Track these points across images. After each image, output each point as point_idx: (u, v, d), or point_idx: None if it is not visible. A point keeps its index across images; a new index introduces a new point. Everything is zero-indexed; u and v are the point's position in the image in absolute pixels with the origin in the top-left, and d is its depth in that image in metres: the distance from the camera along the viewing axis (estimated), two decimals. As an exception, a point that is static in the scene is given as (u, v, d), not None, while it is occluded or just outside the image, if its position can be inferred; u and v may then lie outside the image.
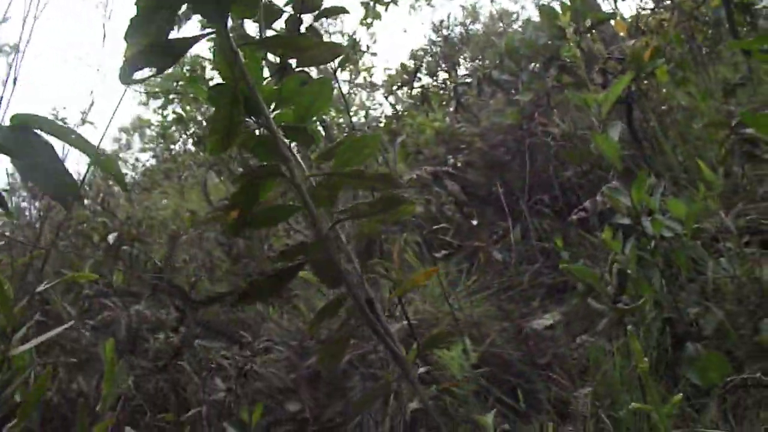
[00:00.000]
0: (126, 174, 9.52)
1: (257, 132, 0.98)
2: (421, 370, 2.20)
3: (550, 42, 3.75)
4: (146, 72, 0.92)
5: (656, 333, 2.56)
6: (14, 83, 1.44)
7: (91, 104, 4.32)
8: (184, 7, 0.91)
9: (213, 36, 0.91)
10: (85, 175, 1.55)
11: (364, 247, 0.94)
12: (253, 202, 0.90)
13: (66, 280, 1.54)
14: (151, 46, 0.85)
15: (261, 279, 0.91)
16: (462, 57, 9.20)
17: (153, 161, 9.87)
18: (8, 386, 1.39)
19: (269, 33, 1.68)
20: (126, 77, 0.88)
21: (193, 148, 9.46)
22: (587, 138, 3.50)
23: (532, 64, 3.89)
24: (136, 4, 0.89)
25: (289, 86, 0.97)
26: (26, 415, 1.52)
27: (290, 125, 0.92)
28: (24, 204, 4.59)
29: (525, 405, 2.63)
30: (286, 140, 0.95)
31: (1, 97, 1.42)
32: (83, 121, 3.65)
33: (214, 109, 0.90)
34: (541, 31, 3.81)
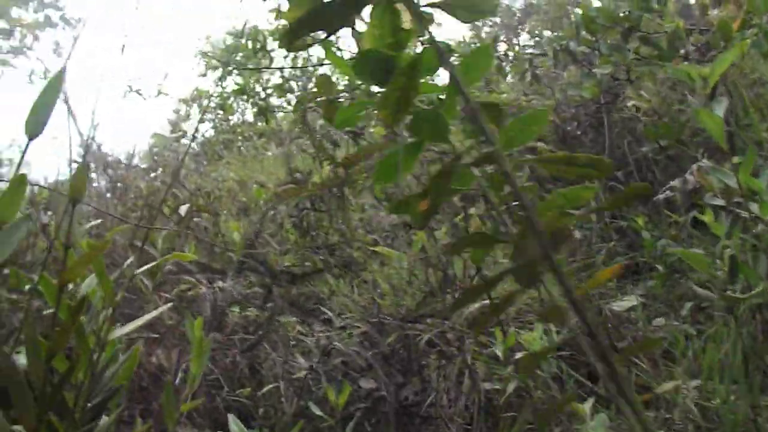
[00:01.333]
0: (186, 144, 9.59)
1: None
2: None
3: (629, 12, 3.60)
4: (307, 38, 0.86)
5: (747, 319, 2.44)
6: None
7: (166, 76, 4.35)
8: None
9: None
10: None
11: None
12: (445, 192, 0.81)
13: (167, 260, 1.52)
14: (315, 11, 0.79)
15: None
16: (520, 27, 8.97)
17: (212, 132, 9.91)
18: (106, 369, 1.37)
19: None
20: (287, 43, 0.82)
21: (251, 119, 9.49)
22: (674, 114, 3.35)
23: (610, 36, 3.73)
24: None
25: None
26: (120, 395, 1.52)
27: (482, 101, 0.81)
28: (93, 174, 4.66)
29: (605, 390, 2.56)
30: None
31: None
32: (159, 92, 3.67)
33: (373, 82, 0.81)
34: (621, 0, 3.66)
